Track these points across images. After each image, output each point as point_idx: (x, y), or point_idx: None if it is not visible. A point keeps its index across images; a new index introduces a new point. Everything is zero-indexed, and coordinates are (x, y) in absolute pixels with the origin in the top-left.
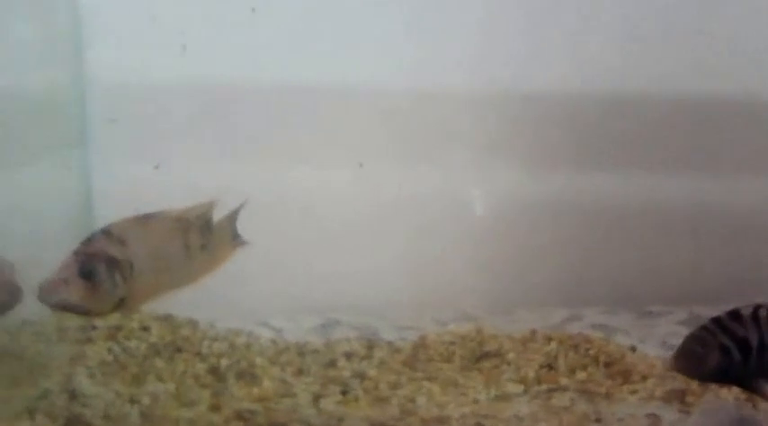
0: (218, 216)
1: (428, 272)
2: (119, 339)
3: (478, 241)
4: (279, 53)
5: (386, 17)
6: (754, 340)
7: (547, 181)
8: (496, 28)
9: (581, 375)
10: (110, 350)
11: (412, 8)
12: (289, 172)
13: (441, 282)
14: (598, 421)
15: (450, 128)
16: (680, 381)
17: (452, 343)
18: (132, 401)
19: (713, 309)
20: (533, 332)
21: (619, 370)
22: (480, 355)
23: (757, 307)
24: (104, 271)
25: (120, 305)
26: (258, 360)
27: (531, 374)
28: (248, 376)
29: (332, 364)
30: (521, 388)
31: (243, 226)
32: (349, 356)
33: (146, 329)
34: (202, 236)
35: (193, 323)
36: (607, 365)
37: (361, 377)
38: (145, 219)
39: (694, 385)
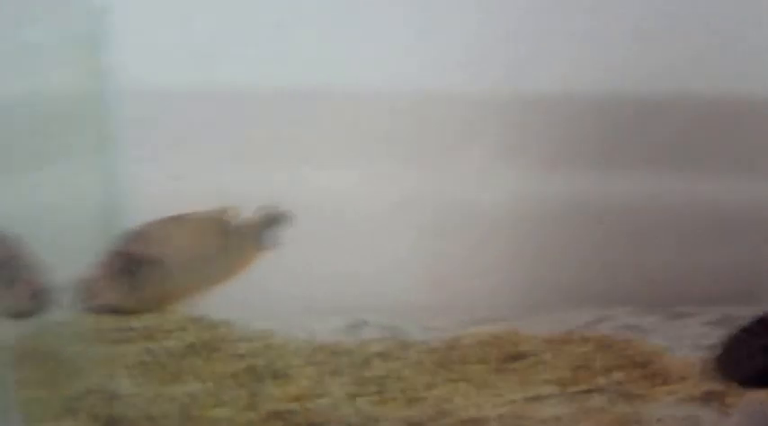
0: (246, 219)
1: (454, 273)
2: (156, 339)
3: (504, 241)
4: (295, 58)
5: (393, 19)
6: None
7: (573, 182)
8: (504, 29)
9: (617, 375)
10: (148, 351)
11: (420, 9)
12: (312, 175)
13: (468, 283)
14: (637, 422)
15: (470, 128)
16: (719, 382)
17: (486, 344)
18: (171, 400)
19: (745, 309)
20: (569, 333)
21: (656, 371)
22: (515, 356)
23: None
24: (142, 272)
25: (156, 305)
26: (294, 360)
27: (568, 375)
28: (284, 375)
29: (366, 364)
30: (557, 389)
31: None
32: (383, 356)
33: (183, 329)
34: (230, 238)
35: (228, 324)
36: (644, 365)
37: (396, 377)
38: (177, 220)
39: (733, 386)
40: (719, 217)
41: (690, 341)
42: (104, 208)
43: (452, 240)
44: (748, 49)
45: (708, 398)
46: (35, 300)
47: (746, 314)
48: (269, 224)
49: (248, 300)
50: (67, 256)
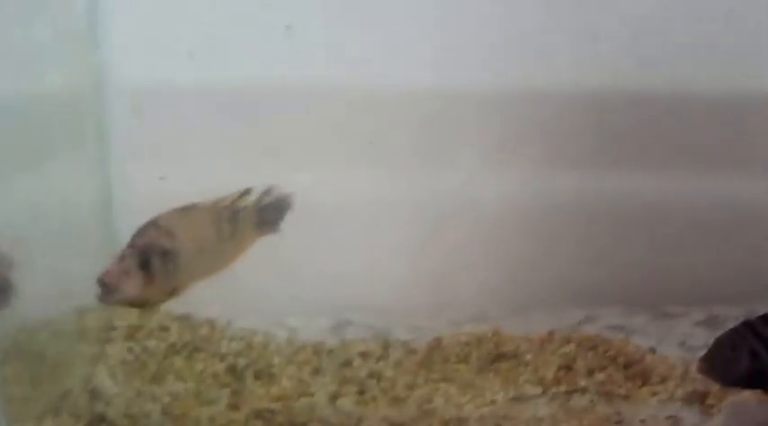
0: (248, 203)
1: (441, 273)
2: (138, 338)
3: (491, 241)
4: (290, 56)
5: (381, 19)
6: None
7: (560, 181)
8: (505, 27)
9: (600, 376)
10: (130, 350)
11: (410, 9)
12: (299, 173)
13: (454, 283)
14: (619, 423)
15: (462, 128)
16: (701, 383)
17: (468, 344)
18: (153, 399)
19: (732, 309)
20: (551, 333)
21: (638, 372)
22: (497, 356)
23: None
24: (159, 263)
25: (171, 295)
26: (276, 360)
27: (550, 375)
28: (266, 375)
29: (348, 364)
30: (539, 390)
31: None
32: (365, 356)
33: (165, 329)
34: (232, 224)
35: (211, 323)
36: (626, 366)
37: (378, 377)
38: (187, 210)
39: (715, 386)
40: (707, 217)
41: (676, 341)
42: (95, 205)
43: (439, 239)
44: (735, 50)
45: (690, 399)
46: None
47: (733, 314)
48: (271, 208)
49: (233, 299)
50: (57, 254)
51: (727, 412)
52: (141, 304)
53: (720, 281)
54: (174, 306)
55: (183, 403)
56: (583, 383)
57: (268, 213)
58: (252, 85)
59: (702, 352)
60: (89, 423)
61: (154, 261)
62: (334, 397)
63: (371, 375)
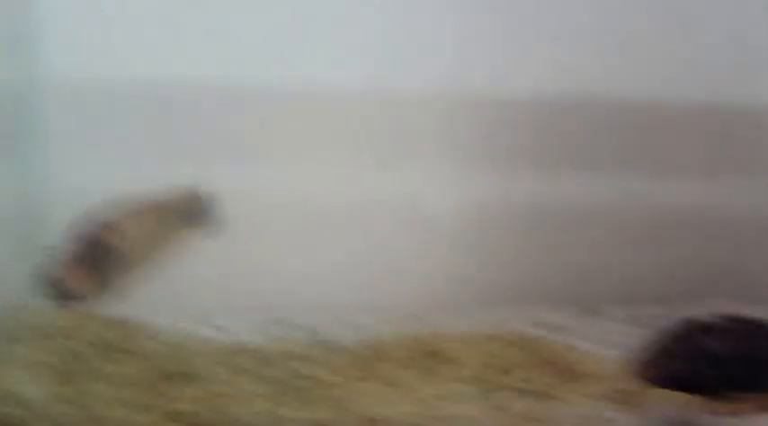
0: (177, 199)
1: (374, 271)
2: (58, 338)
3: (424, 240)
4: (243, 53)
5: (343, 19)
6: (716, 349)
7: (495, 183)
8: (467, 31)
9: (528, 374)
10: (48, 350)
11: (383, 10)
12: (244, 169)
13: (387, 281)
14: (540, 420)
15: (414, 131)
16: (623, 381)
17: (399, 343)
18: (71, 402)
19: (657, 308)
20: (482, 333)
21: (563, 369)
22: (427, 354)
23: (722, 317)
24: (103, 258)
25: (113, 290)
26: (195, 360)
27: (480, 374)
28: (191, 376)
29: (272, 364)
30: (467, 388)
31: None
32: (294, 356)
33: (88, 328)
34: (163, 221)
35: (137, 323)
36: (551, 364)
37: (306, 377)
38: (124, 206)
39: (638, 385)
40: (634, 218)
41: (601, 338)
42: (29, 202)
43: (374, 238)
44: (691, 58)
45: (617, 397)
46: None
47: (658, 313)
48: (200, 205)
49: (159, 298)
50: None
51: (646, 411)
52: (90, 299)
53: (646, 280)
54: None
55: (102, 405)
56: (510, 381)
57: (197, 210)
58: (185, 84)
59: (626, 351)
60: None
61: (98, 257)
62: (258, 398)
63: (300, 375)
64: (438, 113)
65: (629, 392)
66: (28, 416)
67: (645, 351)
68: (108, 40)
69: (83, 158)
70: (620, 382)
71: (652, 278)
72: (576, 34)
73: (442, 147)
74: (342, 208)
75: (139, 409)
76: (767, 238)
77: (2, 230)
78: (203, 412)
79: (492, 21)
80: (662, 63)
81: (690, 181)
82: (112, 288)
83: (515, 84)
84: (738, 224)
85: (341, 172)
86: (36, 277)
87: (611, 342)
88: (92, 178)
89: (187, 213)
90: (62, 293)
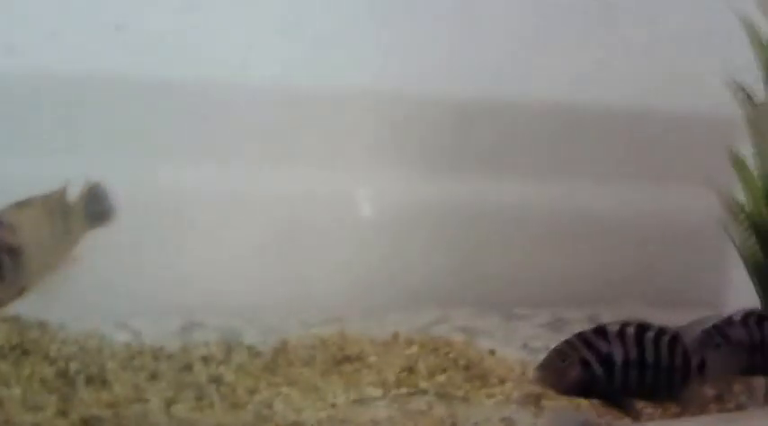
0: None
1: (295, 274)
2: None
3: (346, 243)
4: (142, 47)
5: (269, 14)
6: (617, 356)
7: (416, 186)
8: (384, 29)
9: (440, 378)
10: None
11: (295, 7)
12: (152, 169)
13: (308, 285)
14: (453, 425)
15: (327, 129)
16: (537, 385)
17: (313, 347)
18: None
19: (577, 312)
20: (395, 336)
21: (477, 373)
22: (341, 358)
23: (624, 324)
24: (7, 261)
25: (20, 293)
26: (110, 364)
27: (392, 377)
28: (99, 380)
29: (188, 368)
30: (380, 392)
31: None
32: (206, 360)
33: None
34: (64, 219)
35: (43, 325)
36: (466, 368)
37: (218, 381)
38: (23, 205)
39: (543, 390)
40: (557, 224)
41: (520, 342)
42: None
43: (295, 241)
44: (611, 63)
45: (525, 401)
46: None
47: (578, 317)
48: (95, 201)
49: (72, 300)
50: None
51: (547, 415)
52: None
53: (568, 284)
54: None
55: (7, 409)
56: (424, 385)
57: (97, 207)
58: (84, 79)
59: (544, 354)
60: None
61: (2, 260)
62: (169, 403)
63: (211, 380)
64: (363, 114)
65: (536, 396)
66: None
67: (544, 361)
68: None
69: None
70: (528, 386)
71: (573, 282)
72: (499, 38)
73: (345, 148)
74: (247, 208)
75: (52, 414)
76: (685, 243)
77: None
78: (120, 417)
79: (417, 22)
80: (582, 68)
81: (610, 186)
82: (18, 287)
83: (439, 86)
84: (657, 229)
85: (242, 170)
86: None
87: (530, 346)
88: None
89: (88, 211)
90: None
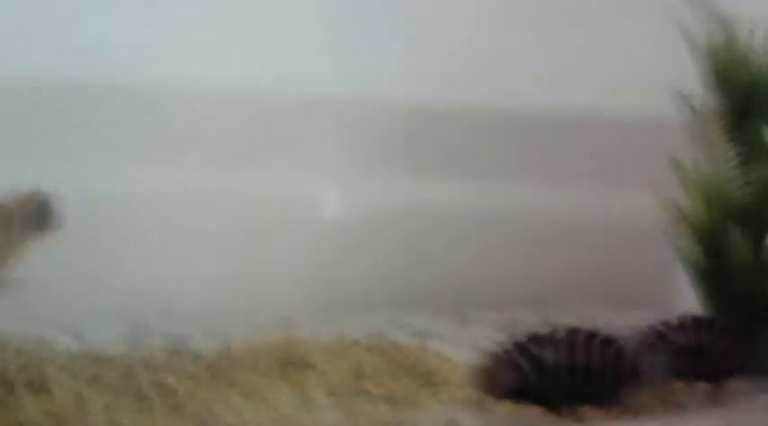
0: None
1: (248, 277)
2: None
3: (300, 245)
4: (108, 50)
5: (231, 16)
6: (550, 360)
7: (373, 188)
8: (355, 31)
9: (388, 381)
10: None
11: (256, 10)
12: (101, 171)
13: (261, 287)
14: None
15: (283, 132)
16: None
17: (259, 351)
18: None
19: (530, 314)
20: (343, 339)
21: (425, 376)
22: (287, 362)
23: (557, 329)
24: None
25: None
26: (50, 370)
27: (338, 381)
28: (38, 386)
29: (129, 373)
30: (326, 396)
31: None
32: (149, 365)
33: None
34: (5, 226)
35: None
36: (414, 371)
37: (160, 387)
38: None
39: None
40: (512, 226)
41: (472, 344)
42: None
43: (248, 243)
44: (566, 69)
45: (470, 403)
46: None
47: (531, 319)
48: (38, 208)
49: (14, 305)
50: None
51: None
52: None
53: (519, 286)
54: None
55: None
56: (371, 388)
57: (39, 215)
58: (34, 83)
59: (477, 367)
60: None
61: None
62: (110, 409)
63: (153, 384)
64: (320, 117)
65: (481, 398)
66: None
67: (480, 366)
68: None
69: None
70: (473, 389)
71: (525, 283)
72: (452, 43)
73: (300, 149)
74: (202, 210)
75: None
76: (636, 246)
77: None
78: (58, 424)
79: (378, 25)
80: (535, 73)
81: (561, 188)
82: None
83: (397, 90)
84: (608, 232)
85: (195, 172)
86: None
87: (479, 348)
88: None
89: (30, 218)
90: None
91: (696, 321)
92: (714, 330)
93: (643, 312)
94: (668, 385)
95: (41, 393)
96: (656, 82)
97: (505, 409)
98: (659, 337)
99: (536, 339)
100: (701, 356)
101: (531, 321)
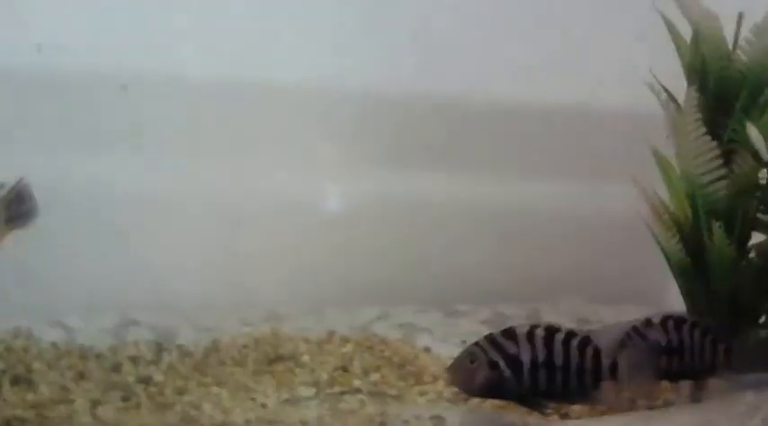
0: None
1: (235, 272)
2: None
3: (288, 241)
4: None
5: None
6: (525, 357)
7: (358, 182)
8: (350, 27)
9: (374, 376)
10: None
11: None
12: (89, 163)
13: (248, 282)
14: (383, 424)
15: (273, 125)
16: None
17: (246, 346)
18: None
19: (518, 309)
20: (330, 334)
21: (411, 371)
22: (274, 358)
23: (534, 326)
24: None
25: None
26: (36, 364)
27: (325, 376)
28: (24, 381)
29: (116, 369)
30: (312, 391)
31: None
32: (135, 360)
33: None
34: None
35: None
36: (400, 366)
37: (146, 382)
38: None
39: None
40: (499, 220)
41: (458, 339)
42: None
43: (236, 238)
44: (552, 63)
45: (456, 399)
46: None
47: (518, 313)
48: (17, 201)
49: (10, 299)
50: None
51: (469, 415)
52: None
53: (509, 281)
54: None
55: None
56: (357, 383)
57: (19, 207)
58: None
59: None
60: None
61: None
62: (95, 405)
63: (140, 380)
64: (305, 111)
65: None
66: None
67: (454, 362)
68: None
69: None
70: None
71: (513, 278)
72: (437, 35)
73: (287, 146)
74: (189, 206)
75: None
76: (625, 241)
77: None
78: (43, 419)
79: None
80: (525, 66)
81: (550, 183)
82: None
83: (382, 83)
84: (598, 227)
85: (183, 167)
86: None
87: (468, 343)
88: None
89: (10, 211)
90: None
91: (677, 320)
92: (694, 329)
93: (635, 307)
94: (648, 384)
95: (28, 388)
96: (639, 76)
97: (487, 405)
98: (640, 336)
99: (511, 336)
100: (682, 355)
101: (519, 315)
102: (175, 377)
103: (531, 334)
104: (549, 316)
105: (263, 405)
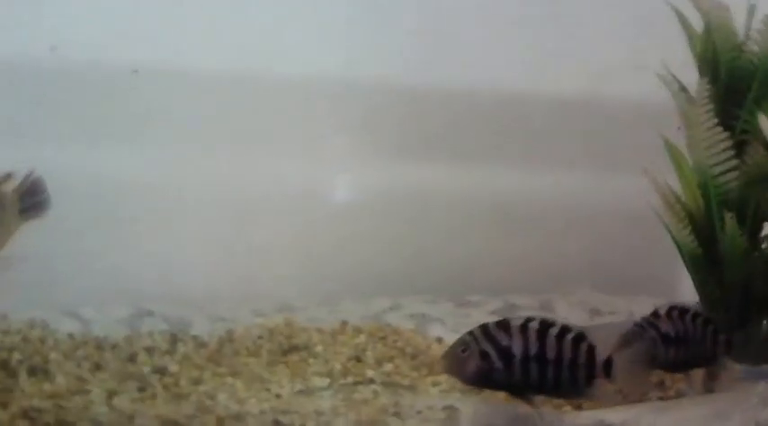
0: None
1: (248, 263)
2: None
3: (300, 232)
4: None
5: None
6: (517, 349)
7: (367, 174)
8: (358, 18)
9: (388, 367)
10: None
11: None
12: (102, 154)
13: (261, 273)
14: (396, 414)
15: (281, 117)
16: None
17: (260, 337)
18: None
19: (530, 299)
20: (343, 324)
21: (424, 362)
22: (288, 348)
23: (529, 319)
24: None
25: None
26: (53, 355)
27: (338, 367)
28: (41, 371)
29: (132, 359)
30: (326, 382)
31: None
32: (150, 351)
33: None
34: (7, 208)
35: None
36: (413, 356)
37: (162, 372)
38: None
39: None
40: (508, 212)
41: (469, 329)
42: None
43: (248, 230)
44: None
45: (469, 389)
46: None
47: (529, 303)
48: (30, 193)
49: (27, 290)
50: None
51: (480, 407)
52: None
53: (520, 271)
54: None
55: None
56: (370, 373)
57: (31, 199)
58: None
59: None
60: None
61: None
62: (111, 395)
63: (155, 370)
64: (313, 102)
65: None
66: None
67: (448, 352)
68: None
69: None
70: None
71: (525, 269)
72: (449, 25)
73: (293, 139)
74: (201, 197)
75: None
76: (638, 231)
77: None
78: (60, 409)
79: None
80: (531, 57)
81: (562, 174)
82: None
83: (387, 74)
84: (610, 217)
85: (194, 160)
86: None
87: None
88: None
89: (23, 203)
90: None
91: (682, 311)
92: (696, 319)
93: (648, 298)
94: (641, 382)
95: (45, 378)
96: (650, 66)
97: (499, 397)
98: (645, 327)
99: (505, 327)
100: (684, 344)
101: (530, 306)
102: (190, 367)
103: (524, 327)
104: (561, 307)
105: (278, 396)
